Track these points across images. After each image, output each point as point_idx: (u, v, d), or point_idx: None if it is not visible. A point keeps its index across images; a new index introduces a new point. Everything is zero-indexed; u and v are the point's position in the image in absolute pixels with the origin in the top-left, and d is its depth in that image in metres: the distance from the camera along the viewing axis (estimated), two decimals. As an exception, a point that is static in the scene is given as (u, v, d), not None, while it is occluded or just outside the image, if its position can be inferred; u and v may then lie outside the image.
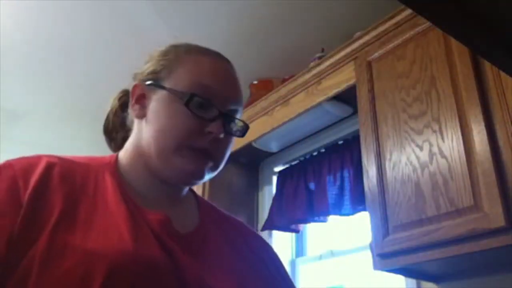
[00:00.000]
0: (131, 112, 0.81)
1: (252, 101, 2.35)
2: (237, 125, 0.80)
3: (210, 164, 0.76)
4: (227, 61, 0.83)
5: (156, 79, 0.78)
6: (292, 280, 0.88)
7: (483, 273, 1.53)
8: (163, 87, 0.76)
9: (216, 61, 0.80)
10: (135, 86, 0.81)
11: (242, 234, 0.86)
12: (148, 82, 0.79)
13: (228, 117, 0.77)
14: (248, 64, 2.45)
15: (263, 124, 2.24)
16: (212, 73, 0.77)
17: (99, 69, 2.56)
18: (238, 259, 0.77)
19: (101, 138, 0.89)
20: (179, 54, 0.80)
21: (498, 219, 1.22)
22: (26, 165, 0.69)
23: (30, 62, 2.53)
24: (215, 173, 0.79)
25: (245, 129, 0.80)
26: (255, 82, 2.44)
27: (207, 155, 0.74)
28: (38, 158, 0.71)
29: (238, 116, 0.80)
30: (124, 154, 0.80)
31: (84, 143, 3.18)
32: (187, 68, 0.77)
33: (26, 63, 2.54)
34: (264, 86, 2.37)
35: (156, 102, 0.77)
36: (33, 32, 2.31)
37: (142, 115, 0.78)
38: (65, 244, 0.61)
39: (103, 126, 0.87)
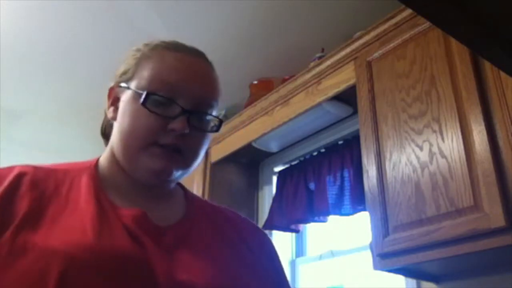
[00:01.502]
0: (108, 114, 0.81)
1: (252, 101, 2.35)
2: (209, 121, 0.78)
3: (180, 161, 0.74)
4: (197, 56, 0.80)
5: (125, 80, 0.78)
6: (287, 276, 0.88)
7: (483, 273, 1.53)
8: (128, 88, 0.77)
9: (180, 56, 0.77)
10: (110, 89, 0.81)
11: (236, 227, 0.85)
12: (120, 84, 0.79)
13: (195, 114, 0.74)
14: (248, 64, 2.45)
15: (263, 124, 2.24)
16: (174, 68, 0.75)
17: (99, 69, 2.56)
18: (226, 252, 0.77)
19: (101, 138, 0.89)
20: (145, 52, 0.79)
21: (498, 219, 1.22)
22: (6, 177, 0.70)
23: (30, 62, 2.53)
24: (188, 171, 0.77)
25: (218, 124, 0.78)
26: (255, 82, 2.44)
27: (177, 151, 0.73)
28: (10, 168, 0.73)
29: (213, 111, 0.78)
30: (103, 156, 0.82)
31: (84, 142, 3.18)
32: (150, 65, 0.76)
33: (26, 63, 2.54)
34: (264, 86, 2.37)
35: (122, 103, 0.77)
36: (32, 32, 2.31)
37: (115, 117, 0.79)
38: (24, 244, 0.62)
39: (100, 127, 0.88)
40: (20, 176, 0.70)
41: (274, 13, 2.15)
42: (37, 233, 0.63)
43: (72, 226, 0.65)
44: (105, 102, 0.86)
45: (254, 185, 2.64)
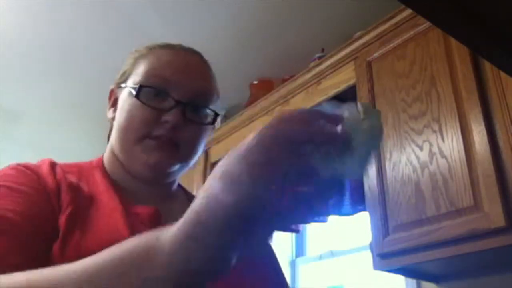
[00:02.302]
0: (108, 115, 0.82)
1: (252, 101, 2.35)
2: (205, 114, 0.77)
3: (175, 154, 0.74)
4: (193, 53, 0.81)
5: (124, 80, 0.80)
6: (285, 275, 0.88)
7: (483, 273, 1.53)
8: (126, 86, 0.78)
9: (175, 53, 0.78)
10: (110, 91, 0.83)
11: None
12: (119, 85, 0.80)
13: (190, 106, 0.75)
14: (248, 64, 2.45)
15: (263, 124, 2.22)
16: (168, 63, 0.76)
17: (99, 69, 2.56)
18: None
19: (101, 138, 0.89)
20: (142, 52, 0.80)
21: (498, 219, 1.22)
22: (37, 166, 0.70)
23: (30, 62, 2.53)
24: (185, 165, 0.77)
25: (213, 117, 0.78)
26: (255, 82, 2.44)
27: (171, 144, 0.73)
28: (41, 162, 0.73)
29: (209, 105, 0.78)
30: (104, 157, 0.82)
31: (84, 142, 3.18)
32: (145, 63, 0.77)
33: (26, 63, 2.54)
34: (264, 86, 2.37)
35: (120, 101, 0.78)
36: (33, 32, 2.31)
37: (114, 117, 0.80)
38: (73, 244, 0.61)
39: (108, 134, 0.88)
40: (53, 169, 0.70)
41: (274, 13, 2.15)
42: (73, 233, 0.62)
43: (107, 226, 0.65)
44: (104, 102, 0.86)
45: (254, 185, 2.64)
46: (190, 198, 0.85)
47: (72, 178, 0.71)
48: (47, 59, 2.51)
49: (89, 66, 2.57)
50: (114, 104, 0.81)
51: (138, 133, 0.73)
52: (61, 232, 0.62)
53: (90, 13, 2.19)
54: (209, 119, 0.78)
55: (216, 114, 0.78)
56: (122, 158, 0.76)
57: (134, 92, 0.74)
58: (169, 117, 0.72)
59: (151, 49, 0.80)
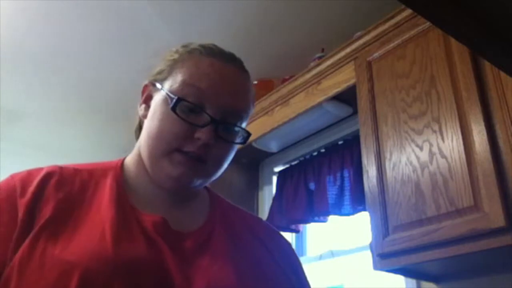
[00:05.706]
0: (138, 111, 0.81)
1: (252, 101, 2.35)
2: (236, 132, 0.77)
3: (201, 170, 0.74)
4: (234, 64, 0.79)
5: (160, 80, 0.78)
6: (308, 280, 0.86)
7: (483, 273, 1.53)
8: (161, 89, 0.76)
9: (216, 63, 0.76)
10: (144, 86, 0.81)
11: (255, 231, 0.84)
12: (154, 83, 0.79)
13: (223, 124, 0.74)
14: (248, 64, 2.44)
15: (263, 124, 2.24)
16: (208, 75, 0.74)
17: (99, 70, 2.56)
18: (245, 259, 0.76)
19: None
20: (183, 54, 0.78)
21: (498, 219, 1.22)
22: (25, 176, 0.71)
23: (31, 62, 2.53)
24: (209, 179, 0.77)
25: (245, 136, 0.77)
26: (255, 82, 2.43)
27: (199, 160, 0.73)
28: (39, 169, 0.73)
29: (242, 122, 0.77)
30: (130, 157, 0.81)
31: (84, 143, 3.18)
32: (185, 69, 0.76)
33: (26, 63, 2.53)
34: (264, 86, 2.37)
35: (154, 103, 0.77)
36: (33, 33, 2.31)
37: (145, 116, 0.79)
38: (44, 253, 0.62)
39: (137, 125, 0.87)
40: (47, 177, 0.71)
41: (274, 13, 2.15)
42: (57, 242, 0.63)
43: (92, 234, 0.65)
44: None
45: (254, 185, 2.64)
46: (213, 200, 0.85)
47: (73, 186, 0.72)
48: (47, 59, 2.51)
49: (90, 67, 2.57)
50: (146, 101, 0.80)
51: (169, 146, 0.72)
52: (29, 240, 0.63)
53: (91, 14, 2.19)
54: (240, 138, 0.77)
55: (249, 134, 0.78)
56: (147, 164, 0.76)
57: (170, 102, 0.72)
58: (202, 134, 0.71)
59: (191, 53, 0.78)
